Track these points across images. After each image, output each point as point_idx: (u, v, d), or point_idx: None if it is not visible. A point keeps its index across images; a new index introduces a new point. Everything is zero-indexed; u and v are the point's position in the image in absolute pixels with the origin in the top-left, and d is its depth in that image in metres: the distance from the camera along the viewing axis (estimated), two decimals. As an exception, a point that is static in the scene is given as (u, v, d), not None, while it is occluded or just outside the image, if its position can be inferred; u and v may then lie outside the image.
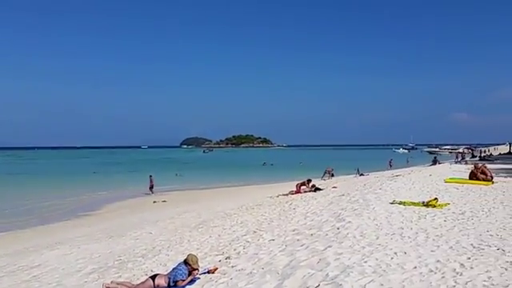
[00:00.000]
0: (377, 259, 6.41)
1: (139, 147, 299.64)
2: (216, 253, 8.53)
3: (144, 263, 9.06)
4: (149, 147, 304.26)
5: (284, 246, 8.00)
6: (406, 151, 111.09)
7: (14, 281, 9.50)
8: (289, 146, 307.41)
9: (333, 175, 33.70)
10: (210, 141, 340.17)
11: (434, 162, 40.57)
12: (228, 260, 7.68)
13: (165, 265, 8.46)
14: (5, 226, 19.18)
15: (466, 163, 32.90)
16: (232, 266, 7.20)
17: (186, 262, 6.69)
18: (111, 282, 7.15)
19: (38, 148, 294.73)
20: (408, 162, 48.93)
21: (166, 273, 6.92)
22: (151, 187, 31.02)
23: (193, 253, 7.50)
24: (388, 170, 41.21)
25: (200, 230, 12.34)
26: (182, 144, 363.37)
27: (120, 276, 8.17)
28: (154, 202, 25.99)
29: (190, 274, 6.62)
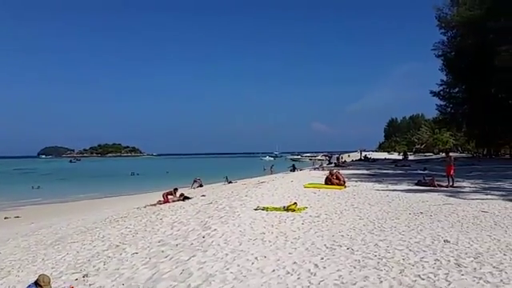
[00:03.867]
0: (239, 265, 6.61)
1: None
2: (73, 271, 7.94)
3: (-12, 288, 8.06)
4: None
5: (148, 259, 7.80)
6: (272, 159, 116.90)
7: None
8: (159, 155, 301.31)
9: (201, 185, 33.92)
10: (73, 150, 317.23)
11: (293, 169, 43.22)
12: (86, 278, 7.21)
13: (14, 287, 7.63)
14: None
15: (323, 169, 35.71)
16: (90, 285, 6.78)
17: (36, 284, 6.12)
18: None
19: None
20: (272, 168, 51.33)
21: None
22: None
23: (46, 272, 6.91)
24: (269, 174, 42.84)
25: (56, 247, 11.39)
26: (39, 154, 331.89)
27: (-44, 306, 7.16)
28: (6, 218, 23.33)
29: (41, 296, 6.07)
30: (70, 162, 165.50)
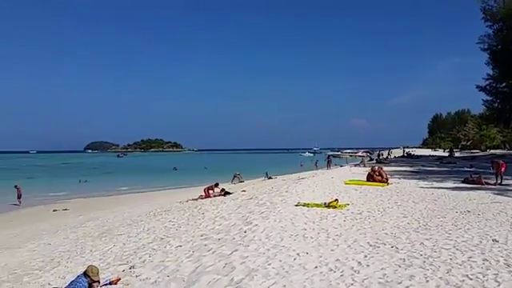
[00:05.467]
0: (280, 261, 6.62)
1: (27, 152, 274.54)
2: (119, 262, 8.23)
3: (41, 276, 8.46)
4: (38, 152, 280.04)
5: (191, 252, 7.96)
6: (311, 155, 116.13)
7: None
8: (199, 151, 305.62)
9: (242, 181, 34.19)
10: (117, 145, 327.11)
11: (328, 162, 45.44)
12: (132, 269, 7.44)
13: (63, 277, 7.97)
14: None
15: (364, 166, 35.12)
16: (136, 276, 6.99)
17: (85, 274, 6.36)
18: None
19: None
20: (317, 163, 50.99)
21: (64, 286, 6.53)
22: (19, 196, 28.81)
23: (94, 264, 7.18)
24: (314, 170, 42.86)
25: (104, 238, 11.83)
26: (86, 148, 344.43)
27: (13, 292, 7.56)
28: (54, 210, 24.35)
29: (89, 286, 6.30)
30: (118, 156, 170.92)
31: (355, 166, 39.88)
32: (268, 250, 7.38)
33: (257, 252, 7.26)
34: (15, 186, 29.20)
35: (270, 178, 34.72)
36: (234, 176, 35.16)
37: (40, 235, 14.96)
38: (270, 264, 6.45)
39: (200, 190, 21.95)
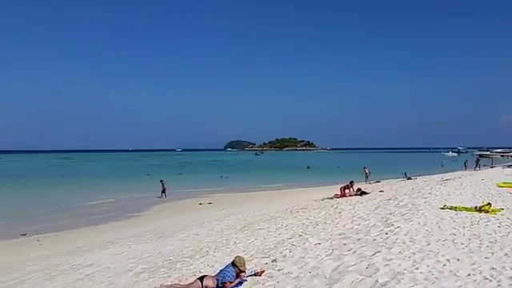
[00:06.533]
0: (428, 266, 6.25)
1: (173, 150, 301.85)
2: (262, 255, 8.56)
3: (192, 264, 9.21)
4: (183, 150, 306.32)
5: (331, 251, 7.94)
6: (456, 154, 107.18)
7: (67, 279, 9.87)
8: (332, 149, 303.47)
9: (378, 181, 33.08)
10: (254, 144, 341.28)
11: (476, 162, 42.27)
12: (274, 263, 7.69)
13: (212, 266, 8.58)
14: (57, 226, 20.04)
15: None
16: (279, 270, 7.20)
17: (233, 264, 6.76)
18: (160, 285, 7.27)
19: (95, 151, 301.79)
20: (466, 163, 45.26)
21: (213, 274, 7.02)
22: (163, 191, 31.30)
23: (240, 255, 7.57)
24: (463, 170, 39.68)
25: (246, 232, 12.43)
26: (226, 147, 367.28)
27: (169, 276, 8.36)
28: (200, 203, 26.38)
29: (237, 275, 6.69)
30: (256, 154, 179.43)
31: (508, 167, 35.81)
32: (414, 253, 7.01)
33: (401, 255, 6.94)
34: (161, 181, 32.35)
35: (409, 178, 32.98)
36: (364, 172, 34.38)
37: (189, 226, 16.32)
38: (417, 268, 6.12)
39: (334, 189, 21.81)
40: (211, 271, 7.74)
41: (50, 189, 38.32)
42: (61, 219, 22.08)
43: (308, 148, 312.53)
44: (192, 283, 6.81)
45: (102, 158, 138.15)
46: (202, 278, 6.77)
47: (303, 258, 7.75)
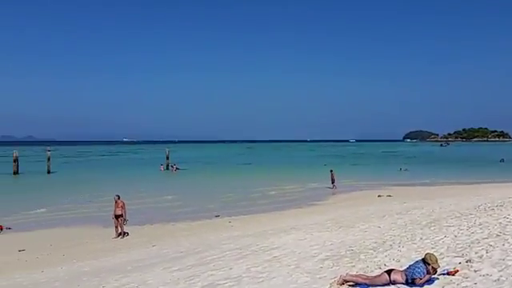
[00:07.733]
0: None
1: (347, 141, 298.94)
2: (454, 254, 7.98)
3: (376, 256, 9.10)
4: (356, 141, 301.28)
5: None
6: None
7: (257, 259, 10.71)
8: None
9: None
10: (437, 134, 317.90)
11: None
12: (469, 263, 7.10)
13: (398, 260, 8.34)
14: (249, 210, 21.95)
15: None
16: (475, 271, 6.64)
17: (424, 261, 6.48)
18: (346, 274, 7.34)
19: (274, 141, 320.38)
20: None
21: (401, 269, 6.84)
22: (333, 181, 31.37)
23: (428, 251, 7.21)
24: None
25: (432, 228, 11.71)
26: (404, 138, 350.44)
27: (353, 266, 8.42)
28: (379, 195, 25.86)
29: (428, 272, 6.39)
30: (441, 145, 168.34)
31: None
32: None
33: None
34: (331, 171, 32.70)
35: None
36: None
37: (369, 218, 16.13)
38: None
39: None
40: (397, 266, 7.54)
41: (243, 175, 42.33)
42: (250, 205, 24.16)
43: (502, 139, 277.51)
44: (379, 275, 6.74)
45: (281, 147, 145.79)
46: (389, 272, 6.65)
47: (503, 259, 6.99)
